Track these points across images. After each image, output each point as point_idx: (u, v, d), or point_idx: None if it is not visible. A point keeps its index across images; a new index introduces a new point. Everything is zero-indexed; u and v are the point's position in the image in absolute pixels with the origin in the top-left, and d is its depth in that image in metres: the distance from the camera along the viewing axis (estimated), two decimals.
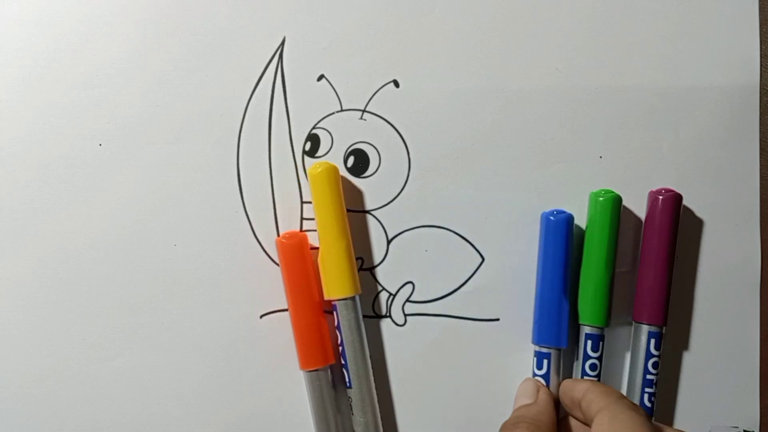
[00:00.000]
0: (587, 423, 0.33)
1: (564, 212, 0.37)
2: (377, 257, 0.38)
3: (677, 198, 0.37)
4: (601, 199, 0.36)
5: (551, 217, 0.36)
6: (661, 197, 0.36)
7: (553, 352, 0.36)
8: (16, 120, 0.38)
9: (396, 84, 0.38)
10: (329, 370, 0.37)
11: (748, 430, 0.38)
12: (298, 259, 0.37)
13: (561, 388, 0.36)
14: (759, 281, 0.38)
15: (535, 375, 0.37)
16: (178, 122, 0.38)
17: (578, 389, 0.34)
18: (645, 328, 0.37)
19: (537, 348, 0.37)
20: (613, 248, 0.36)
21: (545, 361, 0.36)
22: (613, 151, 0.38)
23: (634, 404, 0.31)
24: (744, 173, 0.38)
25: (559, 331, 0.36)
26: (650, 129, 0.38)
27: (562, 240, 0.36)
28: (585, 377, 0.36)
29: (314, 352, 0.36)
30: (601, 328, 0.37)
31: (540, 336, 0.37)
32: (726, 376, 0.38)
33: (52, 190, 0.38)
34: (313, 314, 0.37)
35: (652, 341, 0.36)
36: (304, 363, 0.37)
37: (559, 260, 0.36)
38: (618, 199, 0.36)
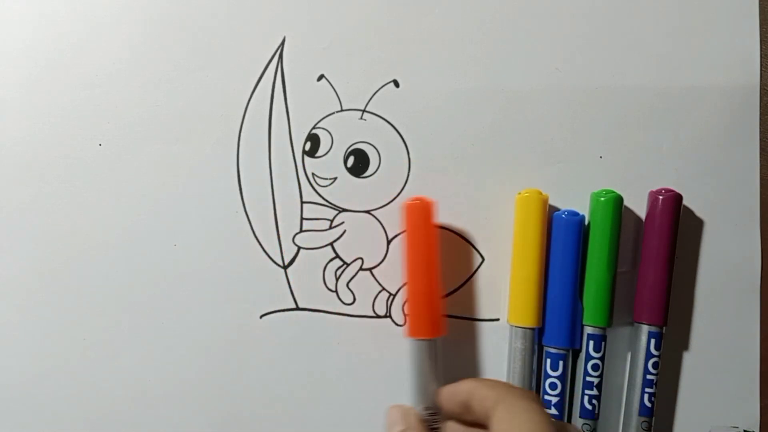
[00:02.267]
0: (482, 422, 0.30)
1: (577, 213, 0.36)
2: (377, 257, 0.38)
3: (677, 198, 0.37)
4: (602, 199, 0.36)
5: (563, 216, 0.36)
6: (661, 197, 0.36)
7: (567, 353, 0.36)
8: (16, 120, 0.38)
9: (396, 84, 0.38)
10: (436, 343, 0.36)
11: (748, 430, 0.38)
12: (422, 223, 0.36)
13: (442, 396, 0.33)
14: (759, 281, 0.38)
15: (548, 377, 0.36)
16: (178, 122, 0.38)
17: (462, 391, 0.32)
18: (645, 329, 0.37)
19: (549, 349, 0.37)
20: (614, 248, 0.36)
21: (560, 362, 0.36)
22: (613, 151, 0.38)
23: (526, 391, 0.30)
24: (744, 173, 0.38)
25: (573, 332, 0.36)
26: (650, 129, 0.38)
27: (574, 241, 0.36)
28: (587, 377, 0.36)
29: (425, 322, 0.36)
30: (603, 329, 0.37)
31: (552, 337, 0.37)
32: (726, 376, 0.38)
33: (52, 190, 0.38)
34: (429, 282, 0.36)
35: (652, 341, 0.36)
36: (414, 331, 0.36)
37: (571, 260, 0.36)
38: (619, 200, 0.36)
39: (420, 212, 0.36)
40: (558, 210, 0.37)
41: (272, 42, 0.38)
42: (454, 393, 0.32)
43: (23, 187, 0.38)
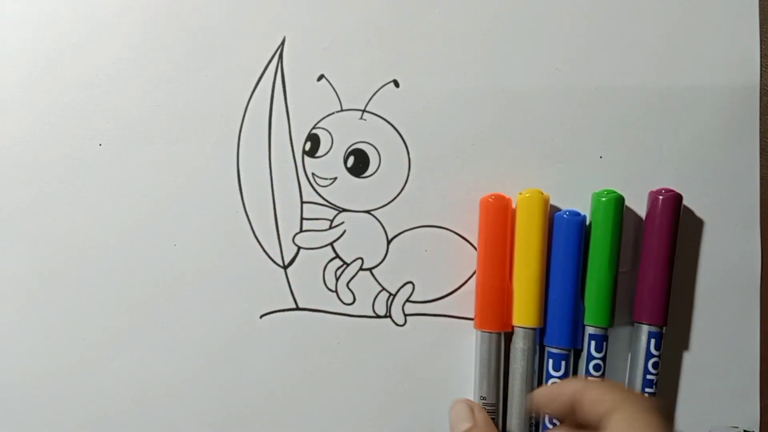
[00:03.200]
0: (592, 426, 0.29)
1: (578, 213, 0.36)
2: (377, 257, 0.38)
3: (677, 198, 0.37)
4: (603, 199, 0.36)
5: (565, 216, 0.36)
6: (661, 197, 0.36)
7: (569, 353, 0.36)
8: (16, 120, 0.38)
9: (396, 84, 0.38)
10: (502, 336, 0.37)
11: (748, 430, 0.38)
12: (500, 221, 0.37)
13: (542, 395, 0.33)
14: (759, 281, 0.38)
15: (550, 377, 0.36)
16: (178, 122, 0.38)
17: (568, 392, 0.31)
18: (645, 328, 0.37)
19: (551, 349, 0.37)
20: (616, 249, 0.36)
21: (563, 363, 0.36)
22: (613, 151, 0.38)
23: (644, 399, 0.29)
24: (744, 173, 0.38)
25: (575, 332, 0.36)
26: (650, 129, 0.38)
27: (576, 241, 0.36)
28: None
29: (494, 315, 0.37)
30: (605, 329, 0.37)
31: (554, 337, 0.37)
32: (726, 376, 0.38)
33: (52, 190, 0.38)
34: (502, 278, 0.37)
35: (653, 341, 0.36)
36: (481, 323, 0.37)
37: (572, 261, 0.36)
38: (620, 200, 0.36)
39: (497, 211, 0.37)
40: (558, 210, 0.37)
41: (272, 42, 0.38)
42: (559, 393, 0.31)
43: (23, 187, 0.38)
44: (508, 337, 0.37)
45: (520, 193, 0.37)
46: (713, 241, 0.38)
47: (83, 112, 0.38)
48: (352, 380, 0.38)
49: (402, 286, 0.38)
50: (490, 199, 0.37)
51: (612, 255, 0.36)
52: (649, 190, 0.38)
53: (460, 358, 0.38)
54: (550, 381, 0.37)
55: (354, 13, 0.39)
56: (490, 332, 0.37)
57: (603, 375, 0.36)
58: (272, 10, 0.38)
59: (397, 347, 0.38)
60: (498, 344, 0.37)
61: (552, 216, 0.37)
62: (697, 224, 0.38)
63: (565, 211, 0.37)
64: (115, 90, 0.38)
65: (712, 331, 0.38)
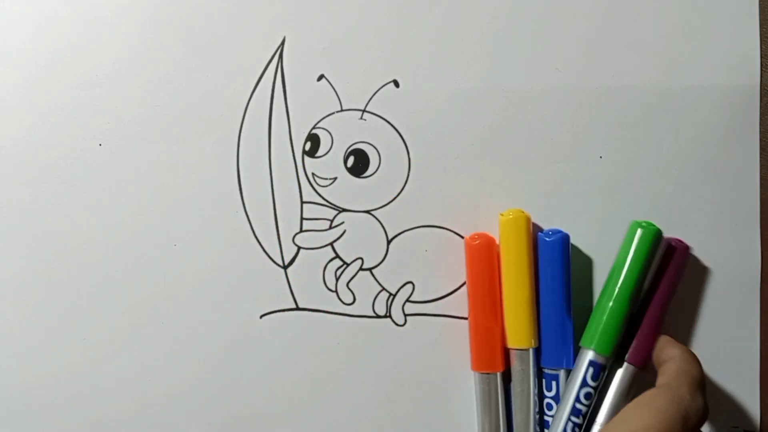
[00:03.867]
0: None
1: (559, 231, 0.36)
2: (377, 257, 0.38)
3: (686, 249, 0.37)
4: (641, 230, 0.36)
5: (547, 238, 0.36)
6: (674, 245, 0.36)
7: (561, 373, 0.36)
8: (16, 120, 0.38)
9: (396, 84, 0.38)
10: (499, 376, 0.37)
11: (748, 430, 0.38)
12: (485, 261, 0.36)
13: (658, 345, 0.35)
14: (759, 281, 0.38)
15: (545, 397, 0.36)
16: (178, 122, 0.38)
17: (660, 345, 0.35)
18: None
19: (545, 370, 0.37)
20: (640, 283, 0.36)
21: (554, 383, 0.36)
22: (613, 151, 0.38)
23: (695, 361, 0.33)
24: (744, 173, 0.38)
25: (565, 353, 0.36)
26: (650, 129, 0.38)
27: (560, 260, 0.36)
28: (577, 404, 0.35)
29: (489, 356, 0.36)
30: (607, 358, 0.35)
31: (546, 358, 0.36)
32: (726, 376, 0.38)
33: (52, 190, 0.38)
34: (495, 318, 0.36)
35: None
36: (478, 365, 0.37)
37: (559, 280, 0.36)
38: (658, 234, 0.36)
39: (481, 251, 0.37)
40: (542, 230, 0.37)
41: (272, 42, 0.38)
42: (660, 348, 0.35)
43: (23, 187, 0.38)
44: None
45: (502, 214, 0.36)
46: (713, 241, 0.38)
47: (83, 112, 0.38)
48: (352, 380, 0.38)
49: (402, 286, 0.38)
50: (474, 242, 0.37)
51: (634, 289, 0.35)
52: (648, 191, 0.38)
53: (459, 358, 0.38)
54: (545, 401, 0.36)
55: (354, 13, 0.39)
56: (487, 373, 0.36)
57: (590, 406, 0.35)
58: (272, 10, 0.38)
59: (397, 347, 0.38)
60: (496, 384, 0.37)
61: (535, 235, 0.37)
62: (697, 224, 0.38)
63: (547, 232, 0.36)
64: (115, 90, 0.38)
65: (712, 331, 0.38)
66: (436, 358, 0.38)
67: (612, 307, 0.35)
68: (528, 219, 0.36)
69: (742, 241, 0.38)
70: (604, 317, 0.35)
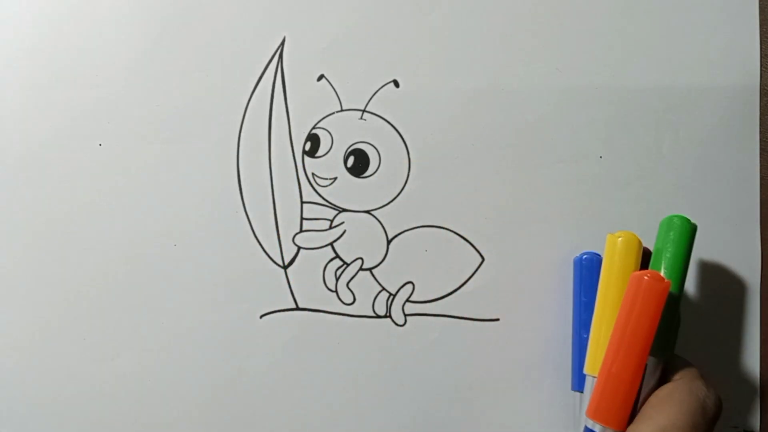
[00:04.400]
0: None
1: (594, 253, 0.36)
2: (377, 257, 0.38)
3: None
4: (675, 226, 0.34)
5: (583, 261, 0.36)
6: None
7: None
8: (16, 120, 0.38)
9: (396, 84, 0.38)
10: None
11: (748, 430, 0.38)
12: (651, 308, 0.31)
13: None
14: (759, 281, 0.38)
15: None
16: (178, 122, 0.38)
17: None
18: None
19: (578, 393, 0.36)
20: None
21: None
22: (613, 151, 0.38)
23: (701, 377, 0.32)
24: (744, 173, 0.38)
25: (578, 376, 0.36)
26: (650, 129, 0.38)
27: (596, 281, 0.35)
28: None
29: (619, 411, 0.31)
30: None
31: (581, 382, 0.35)
32: (726, 376, 0.38)
33: (52, 190, 0.38)
34: (637, 373, 0.31)
35: None
36: (596, 413, 0.32)
37: (593, 302, 0.35)
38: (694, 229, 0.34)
39: (655, 295, 0.31)
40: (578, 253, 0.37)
41: (272, 42, 0.38)
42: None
43: (23, 187, 0.38)
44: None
45: (611, 234, 0.34)
46: (713, 241, 0.38)
47: (83, 112, 0.38)
48: (352, 380, 0.38)
49: (402, 286, 0.38)
50: (645, 277, 0.31)
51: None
52: (649, 191, 0.38)
53: (459, 358, 0.38)
54: None
55: (354, 13, 0.39)
56: (604, 427, 0.32)
57: None
58: (272, 10, 0.38)
59: (397, 347, 0.38)
60: None
61: (573, 262, 0.37)
62: (697, 224, 0.38)
63: (582, 255, 0.36)
64: (115, 90, 0.38)
65: (712, 331, 0.38)
66: (436, 358, 0.38)
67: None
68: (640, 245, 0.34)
69: (742, 241, 0.38)
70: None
